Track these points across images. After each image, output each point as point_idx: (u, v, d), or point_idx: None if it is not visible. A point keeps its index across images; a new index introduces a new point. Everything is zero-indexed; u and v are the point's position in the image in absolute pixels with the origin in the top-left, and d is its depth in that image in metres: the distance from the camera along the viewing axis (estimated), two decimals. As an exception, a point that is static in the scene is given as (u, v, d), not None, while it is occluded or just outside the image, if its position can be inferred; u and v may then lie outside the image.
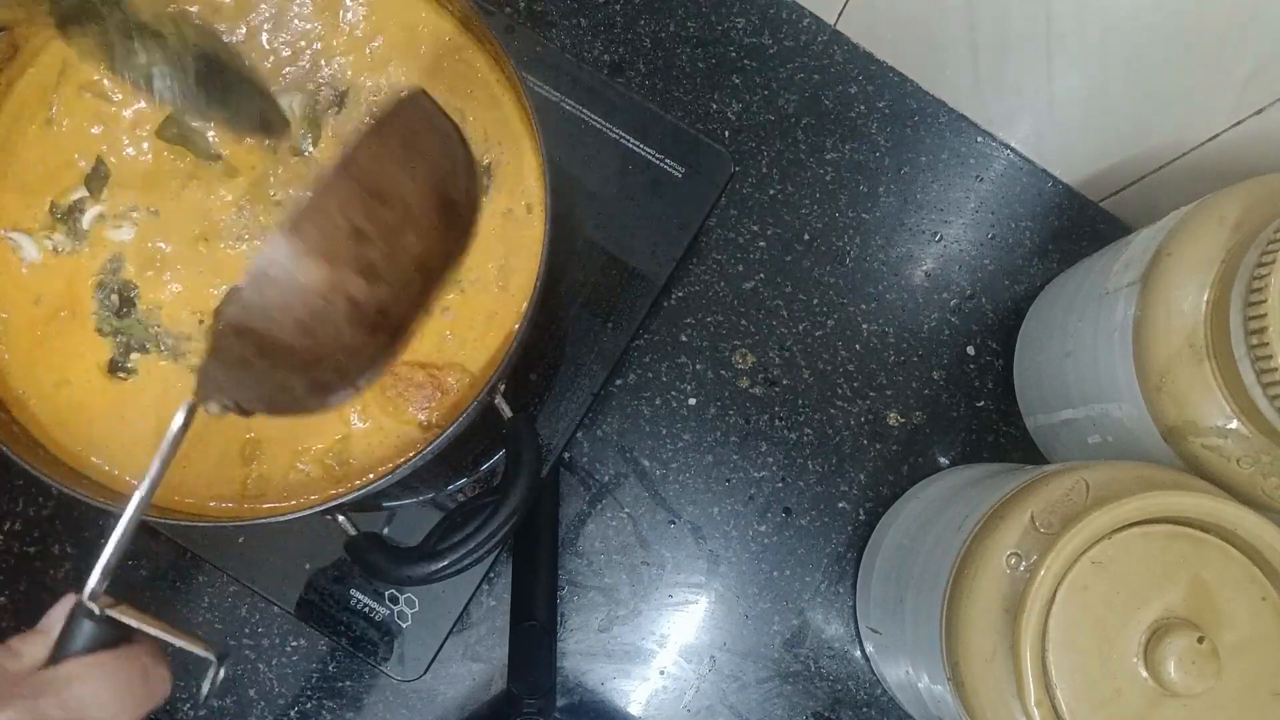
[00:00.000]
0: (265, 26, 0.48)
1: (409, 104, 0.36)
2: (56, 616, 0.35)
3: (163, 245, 0.46)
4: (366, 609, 0.57)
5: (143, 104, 0.46)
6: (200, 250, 0.46)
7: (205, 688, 0.38)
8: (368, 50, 0.48)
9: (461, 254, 0.39)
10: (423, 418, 0.46)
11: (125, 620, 0.35)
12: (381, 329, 0.36)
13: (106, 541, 0.35)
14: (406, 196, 0.35)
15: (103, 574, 0.35)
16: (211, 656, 0.38)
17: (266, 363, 0.33)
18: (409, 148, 0.35)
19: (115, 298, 0.46)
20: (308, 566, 0.57)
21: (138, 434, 0.45)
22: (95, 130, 0.47)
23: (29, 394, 0.45)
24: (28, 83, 0.47)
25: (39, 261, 0.46)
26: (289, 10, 0.48)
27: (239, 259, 0.47)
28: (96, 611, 0.35)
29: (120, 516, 0.36)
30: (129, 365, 0.46)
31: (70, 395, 0.45)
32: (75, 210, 0.46)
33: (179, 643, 0.37)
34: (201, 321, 0.46)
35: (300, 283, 0.33)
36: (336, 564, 0.57)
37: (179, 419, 0.36)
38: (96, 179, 0.46)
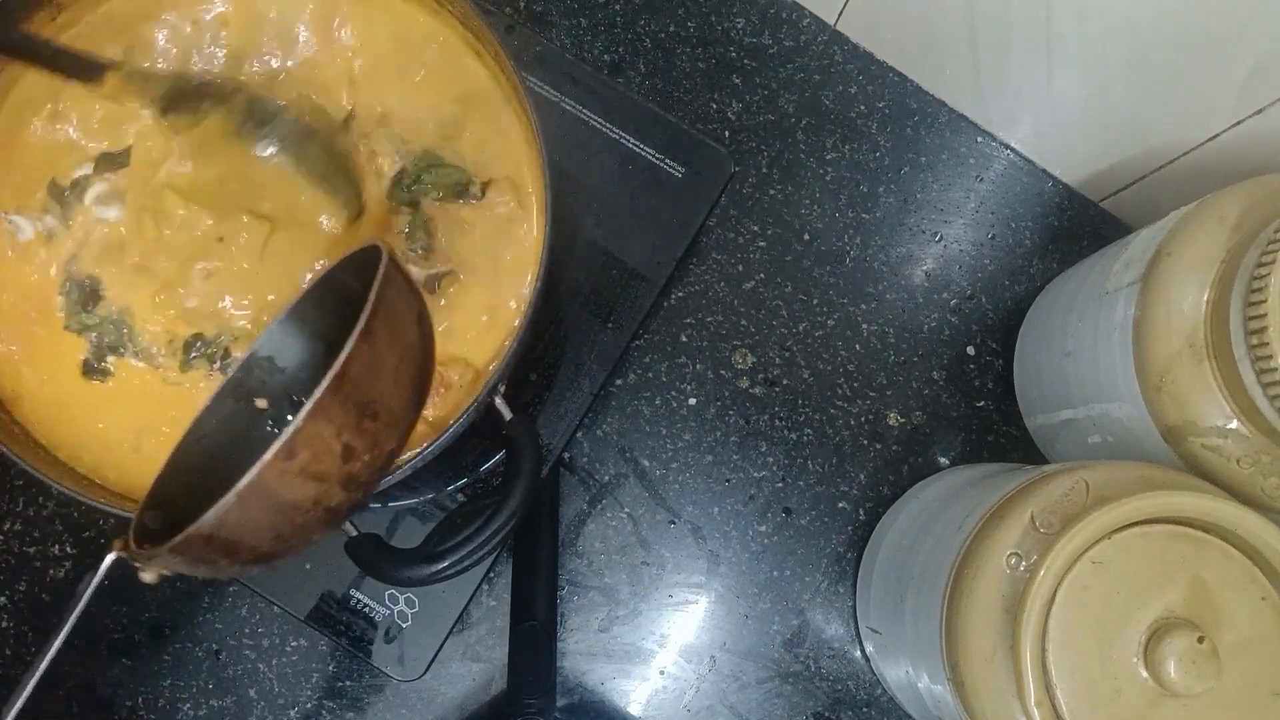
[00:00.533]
0: (268, 30, 0.48)
1: (386, 285, 0.35)
2: None
3: (154, 253, 0.46)
4: (366, 609, 0.57)
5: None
6: (195, 267, 0.46)
7: None
8: (366, 51, 0.48)
9: (414, 425, 0.39)
10: (425, 416, 0.46)
11: None
12: (344, 519, 0.37)
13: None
14: (391, 404, 0.35)
15: None
16: None
17: (228, 560, 0.33)
18: (393, 344, 0.35)
19: (79, 292, 0.45)
20: (308, 567, 0.57)
21: (112, 438, 0.45)
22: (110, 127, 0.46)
23: (21, 393, 0.45)
24: (31, 81, 0.46)
25: (29, 245, 0.45)
26: (288, 12, 0.48)
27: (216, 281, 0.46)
28: None
29: (29, 675, 0.36)
30: (104, 367, 0.46)
31: (56, 394, 0.45)
32: (77, 187, 0.46)
33: None
34: (171, 341, 0.46)
35: (287, 500, 0.33)
36: (337, 564, 0.57)
37: (100, 573, 0.36)
38: (107, 162, 0.46)
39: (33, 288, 0.46)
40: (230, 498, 0.31)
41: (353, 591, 0.57)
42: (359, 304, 0.34)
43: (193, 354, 0.46)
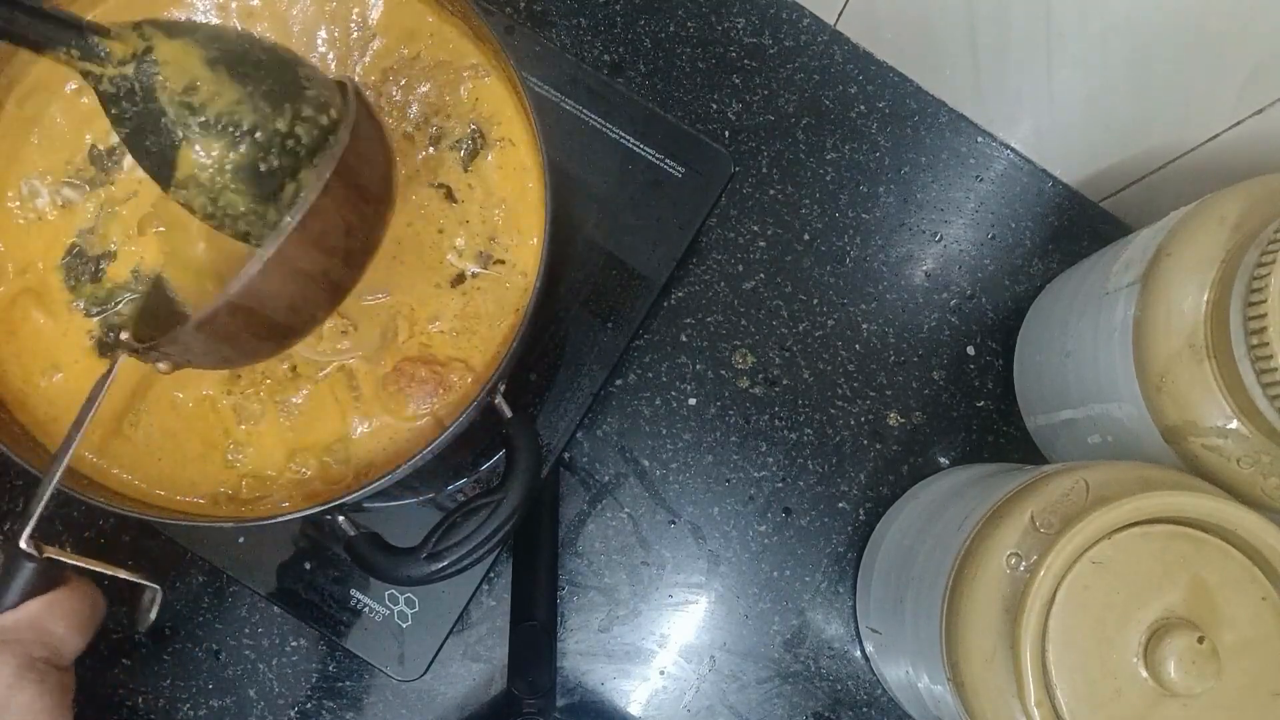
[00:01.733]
0: (268, 31, 0.48)
1: (360, 102, 0.39)
2: None
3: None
4: (366, 609, 0.57)
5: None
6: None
7: (153, 614, 0.42)
8: (368, 51, 0.48)
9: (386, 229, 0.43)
10: (425, 415, 0.46)
11: (65, 560, 0.38)
12: (340, 301, 0.41)
13: (44, 485, 0.39)
14: (375, 191, 0.39)
15: (39, 520, 0.38)
16: (155, 585, 0.42)
17: (249, 335, 0.37)
18: (371, 143, 0.39)
19: (86, 265, 0.45)
20: (308, 566, 0.57)
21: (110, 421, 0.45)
22: None
23: (25, 391, 0.45)
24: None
25: (44, 213, 0.45)
26: (292, 11, 0.48)
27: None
28: (38, 554, 0.38)
29: (56, 462, 0.39)
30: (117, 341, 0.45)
31: (64, 383, 0.45)
32: (115, 153, 0.45)
33: (120, 575, 0.40)
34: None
35: (302, 269, 0.36)
36: (336, 564, 0.57)
37: (112, 375, 0.39)
38: None
39: (35, 260, 0.45)
40: (256, 265, 0.34)
41: (353, 591, 0.57)
42: None
43: None
